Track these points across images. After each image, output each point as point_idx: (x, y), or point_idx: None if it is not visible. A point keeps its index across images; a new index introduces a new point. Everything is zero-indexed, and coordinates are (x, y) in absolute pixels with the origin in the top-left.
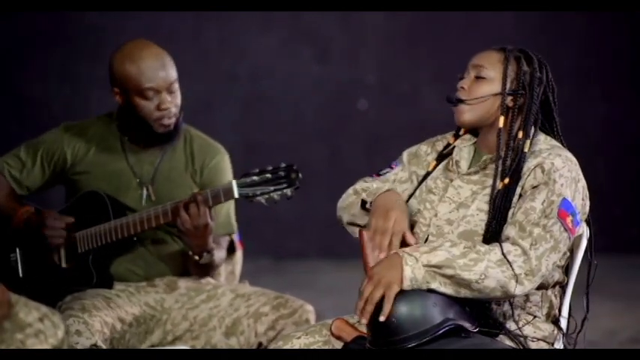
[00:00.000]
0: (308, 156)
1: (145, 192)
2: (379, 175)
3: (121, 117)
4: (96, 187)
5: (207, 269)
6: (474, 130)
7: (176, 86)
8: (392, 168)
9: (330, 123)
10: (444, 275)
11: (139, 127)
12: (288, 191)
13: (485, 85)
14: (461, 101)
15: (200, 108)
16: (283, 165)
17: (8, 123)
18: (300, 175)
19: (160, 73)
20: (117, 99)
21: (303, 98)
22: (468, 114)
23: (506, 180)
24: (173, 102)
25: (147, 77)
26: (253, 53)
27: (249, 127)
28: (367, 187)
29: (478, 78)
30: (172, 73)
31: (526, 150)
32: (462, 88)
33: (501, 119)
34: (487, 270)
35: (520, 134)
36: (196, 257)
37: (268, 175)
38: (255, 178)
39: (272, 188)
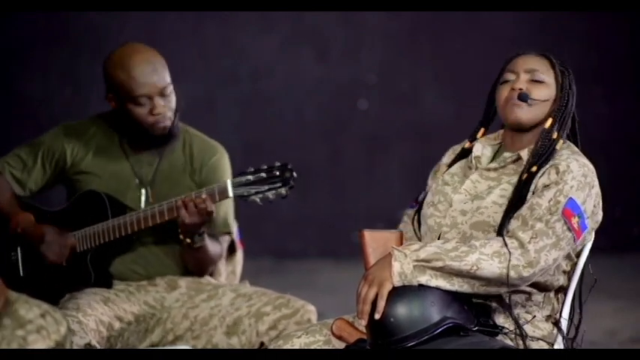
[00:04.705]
0: (308, 156)
1: (144, 193)
2: (417, 201)
3: (117, 121)
4: (96, 187)
5: (202, 259)
6: (497, 131)
7: (170, 89)
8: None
9: (330, 123)
10: (433, 268)
11: (135, 131)
12: (283, 190)
13: (544, 88)
14: (525, 99)
15: (200, 108)
16: (278, 164)
17: (8, 123)
18: (294, 173)
19: (151, 78)
20: (112, 105)
21: (304, 98)
22: (528, 114)
23: (534, 168)
24: (167, 106)
25: (138, 84)
26: (253, 53)
27: (249, 127)
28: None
29: (534, 81)
30: (165, 76)
31: (558, 147)
32: (520, 89)
33: (549, 121)
34: (479, 262)
35: (555, 135)
36: (188, 240)
37: (263, 175)
38: (249, 177)
39: (266, 187)
